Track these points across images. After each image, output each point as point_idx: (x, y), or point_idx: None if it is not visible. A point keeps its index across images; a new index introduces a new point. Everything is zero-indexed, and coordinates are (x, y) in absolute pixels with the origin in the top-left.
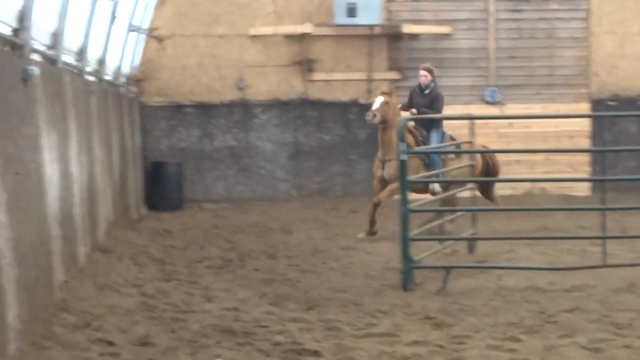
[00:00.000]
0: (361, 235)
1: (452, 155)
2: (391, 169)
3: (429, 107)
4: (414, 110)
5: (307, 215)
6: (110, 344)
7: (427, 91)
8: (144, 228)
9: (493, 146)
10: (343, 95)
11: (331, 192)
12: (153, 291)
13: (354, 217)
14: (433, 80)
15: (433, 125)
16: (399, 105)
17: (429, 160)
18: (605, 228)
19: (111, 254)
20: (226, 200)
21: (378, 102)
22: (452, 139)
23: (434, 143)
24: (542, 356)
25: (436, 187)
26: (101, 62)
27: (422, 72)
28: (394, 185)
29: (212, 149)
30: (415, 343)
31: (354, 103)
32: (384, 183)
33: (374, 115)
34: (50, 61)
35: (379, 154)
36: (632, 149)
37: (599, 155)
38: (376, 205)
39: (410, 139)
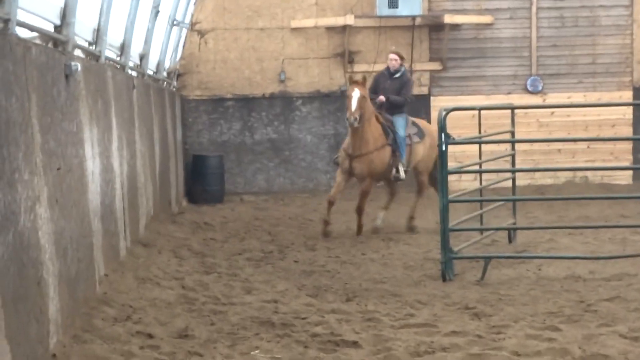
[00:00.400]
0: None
1: (416, 139)
2: (364, 164)
3: (398, 92)
4: (382, 97)
5: (346, 206)
6: (150, 336)
7: (397, 75)
8: (185, 221)
9: (534, 135)
10: None
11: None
12: (193, 284)
13: (394, 208)
14: (402, 65)
15: (396, 110)
16: None
17: (396, 147)
18: None
19: (152, 247)
20: (267, 192)
21: (355, 98)
22: (414, 124)
23: (399, 128)
24: (580, 345)
25: (401, 173)
26: (143, 56)
27: (393, 56)
28: (368, 183)
29: (252, 142)
30: (454, 333)
31: None
32: (348, 178)
33: (355, 119)
34: (93, 57)
35: (347, 147)
36: None
37: None
38: (332, 203)
39: (378, 125)
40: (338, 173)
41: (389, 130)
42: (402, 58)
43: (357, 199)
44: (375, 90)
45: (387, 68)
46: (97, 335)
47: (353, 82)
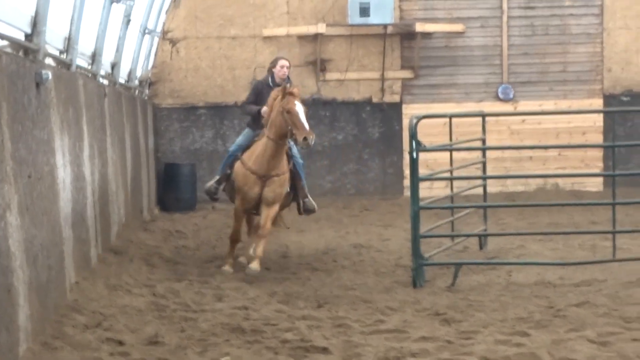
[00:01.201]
0: (241, 259)
1: None
2: (277, 186)
3: None
4: (265, 110)
5: (319, 214)
6: (120, 343)
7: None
8: (156, 229)
9: (506, 143)
10: (356, 94)
11: (344, 191)
12: (164, 291)
13: (366, 215)
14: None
15: None
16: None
17: (296, 170)
18: (615, 222)
19: (123, 255)
20: None
21: (303, 114)
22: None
23: (297, 152)
24: (549, 350)
25: (313, 202)
26: (115, 65)
27: (285, 63)
28: (276, 208)
29: (225, 150)
30: (424, 339)
31: (367, 102)
32: (256, 205)
33: (313, 140)
34: (64, 65)
35: (257, 168)
36: None
37: (611, 151)
38: (237, 242)
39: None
40: (240, 201)
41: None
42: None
43: (259, 228)
44: (256, 103)
45: (271, 77)
46: (67, 343)
47: (290, 94)
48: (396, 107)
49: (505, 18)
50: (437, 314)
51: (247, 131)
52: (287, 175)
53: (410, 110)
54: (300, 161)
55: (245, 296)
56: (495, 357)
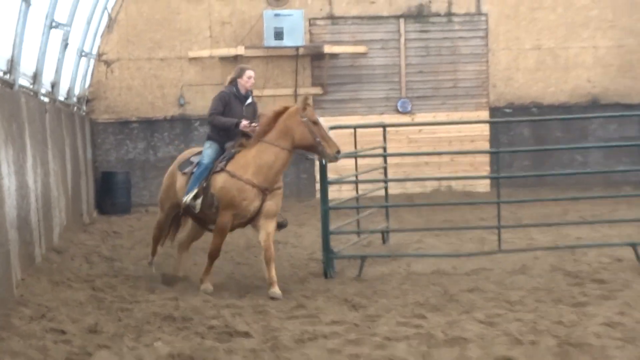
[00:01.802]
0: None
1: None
2: (279, 199)
3: (252, 120)
4: (245, 123)
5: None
6: (63, 332)
7: (249, 100)
8: (95, 230)
9: (405, 150)
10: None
11: None
12: (102, 285)
13: (283, 215)
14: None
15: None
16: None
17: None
18: (500, 219)
19: (65, 254)
20: None
21: (328, 128)
22: None
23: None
24: (443, 330)
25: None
26: (55, 84)
27: (252, 74)
28: (275, 222)
29: (156, 159)
30: (334, 322)
31: None
32: (248, 220)
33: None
34: (7, 85)
35: (260, 180)
36: (525, 150)
37: (496, 156)
38: (215, 259)
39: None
40: (226, 220)
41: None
42: None
43: (265, 245)
44: (224, 114)
45: (236, 88)
46: (14, 333)
47: (308, 105)
48: None
49: (402, 40)
50: (346, 301)
51: (211, 143)
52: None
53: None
54: None
55: (175, 288)
56: (397, 337)
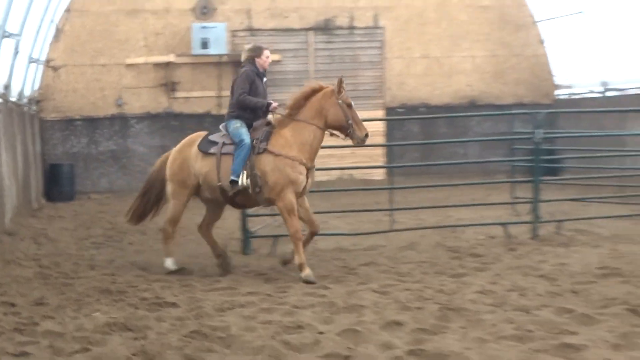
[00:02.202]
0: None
1: None
2: (313, 178)
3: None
4: (275, 104)
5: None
6: (12, 305)
7: (265, 78)
8: (43, 215)
9: None
10: (199, 108)
11: None
12: (48, 263)
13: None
14: None
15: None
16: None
17: None
18: (392, 203)
19: (15, 236)
20: (109, 192)
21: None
22: None
23: None
24: (344, 299)
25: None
26: (7, 87)
27: (269, 53)
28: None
29: (97, 152)
30: (250, 293)
31: (208, 114)
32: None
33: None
34: None
35: (306, 158)
36: (415, 143)
37: (391, 149)
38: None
39: None
40: (293, 198)
41: None
42: None
43: (312, 219)
44: (250, 93)
45: (256, 67)
46: None
47: (343, 89)
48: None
49: (311, 49)
50: (260, 274)
51: (241, 122)
52: None
53: None
54: None
55: (112, 265)
56: (304, 305)
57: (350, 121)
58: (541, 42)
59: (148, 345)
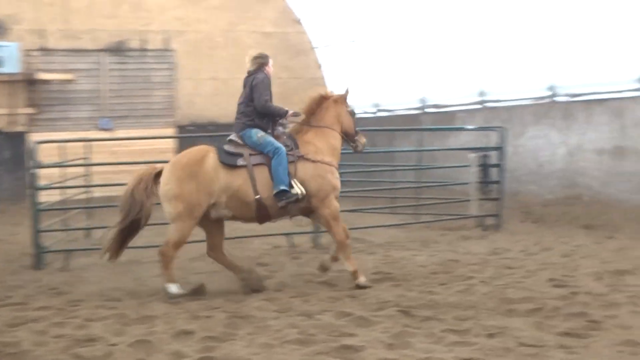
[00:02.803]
0: None
1: None
2: None
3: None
4: (291, 112)
5: None
6: None
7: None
8: None
9: (107, 161)
10: None
11: None
12: None
13: (8, 217)
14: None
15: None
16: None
17: None
18: None
19: None
20: None
21: None
22: None
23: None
24: (135, 310)
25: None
26: None
27: (272, 61)
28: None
29: None
30: (42, 308)
31: None
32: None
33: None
34: None
35: (337, 163)
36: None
37: None
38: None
39: None
40: (337, 203)
41: None
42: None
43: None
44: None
45: (265, 73)
46: None
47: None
48: (22, 136)
49: (104, 70)
50: (52, 289)
51: (262, 132)
52: None
53: (34, 138)
54: None
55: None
56: (95, 318)
57: (357, 129)
58: (319, 66)
59: None
